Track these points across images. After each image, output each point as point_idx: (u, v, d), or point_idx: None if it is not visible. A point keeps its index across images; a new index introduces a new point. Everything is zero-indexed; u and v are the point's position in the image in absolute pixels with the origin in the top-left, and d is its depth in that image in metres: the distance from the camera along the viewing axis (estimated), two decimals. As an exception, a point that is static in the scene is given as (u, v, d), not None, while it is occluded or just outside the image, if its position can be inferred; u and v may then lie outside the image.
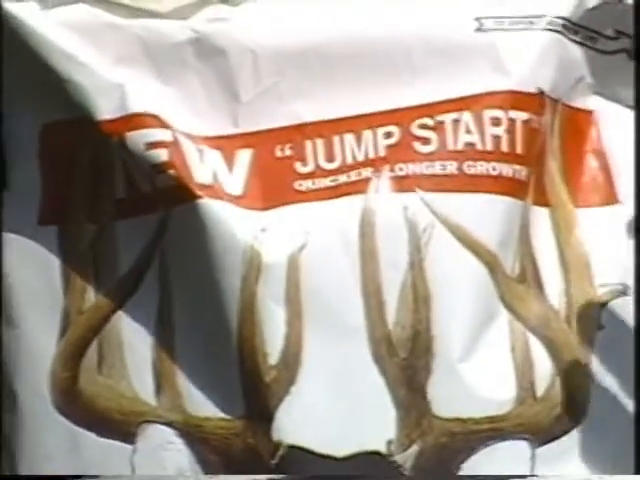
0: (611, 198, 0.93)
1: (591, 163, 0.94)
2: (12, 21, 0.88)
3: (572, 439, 0.89)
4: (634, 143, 0.94)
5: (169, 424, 0.88)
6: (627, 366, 0.90)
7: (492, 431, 0.87)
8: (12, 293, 0.92)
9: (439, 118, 0.89)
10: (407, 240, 0.87)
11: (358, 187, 0.89)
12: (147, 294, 0.91)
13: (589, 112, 0.94)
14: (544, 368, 0.90)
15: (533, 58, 0.91)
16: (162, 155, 0.87)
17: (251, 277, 0.86)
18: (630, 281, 0.92)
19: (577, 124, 0.94)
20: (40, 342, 0.91)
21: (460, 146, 0.89)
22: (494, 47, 0.90)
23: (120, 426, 0.89)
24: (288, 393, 0.86)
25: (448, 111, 0.90)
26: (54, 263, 0.92)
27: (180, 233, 0.88)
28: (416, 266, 0.87)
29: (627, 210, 0.93)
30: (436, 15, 0.92)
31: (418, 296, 0.87)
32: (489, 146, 0.89)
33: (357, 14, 0.92)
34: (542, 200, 0.92)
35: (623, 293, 0.92)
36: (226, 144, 0.90)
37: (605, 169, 0.94)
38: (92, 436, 0.89)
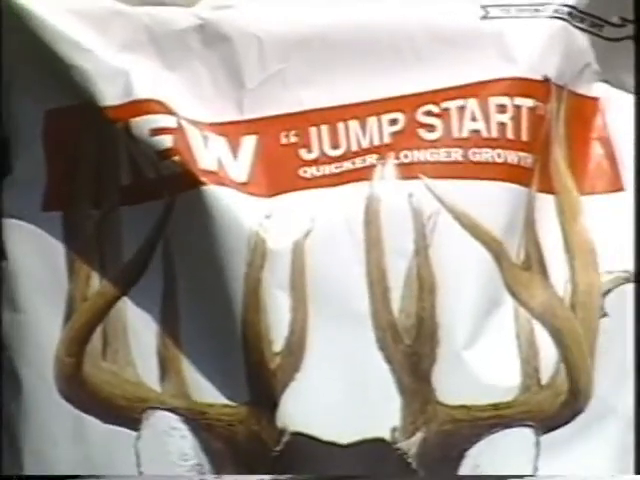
0: (616, 185, 0.93)
1: (596, 150, 0.93)
2: (16, 6, 0.88)
3: (576, 426, 0.89)
4: (634, 132, 0.93)
5: (173, 410, 0.88)
6: (628, 354, 0.91)
7: (496, 418, 0.87)
8: (16, 278, 0.92)
9: (444, 105, 0.89)
10: (412, 227, 0.87)
11: (363, 174, 0.88)
12: (152, 280, 0.90)
13: (595, 99, 0.94)
14: (549, 355, 0.89)
15: (539, 45, 0.90)
16: (167, 141, 0.87)
17: (256, 264, 0.86)
18: (632, 267, 0.92)
19: (583, 111, 0.93)
20: (45, 328, 0.91)
21: (465, 133, 0.88)
22: (500, 35, 0.90)
23: (125, 412, 0.89)
24: (293, 380, 0.86)
25: (453, 98, 0.89)
26: (58, 249, 0.91)
27: (185, 219, 0.88)
28: (421, 253, 0.87)
29: (631, 197, 0.92)
30: (441, 2, 0.91)
31: (423, 284, 0.87)
32: (494, 133, 0.88)
33: (361, 1, 0.92)
34: (547, 187, 0.91)
35: (627, 280, 0.91)
36: (231, 130, 0.89)
37: (610, 156, 0.94)
38: (97, 422, 0.88)
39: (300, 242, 0.87)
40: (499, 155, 0.89)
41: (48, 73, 0.89)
